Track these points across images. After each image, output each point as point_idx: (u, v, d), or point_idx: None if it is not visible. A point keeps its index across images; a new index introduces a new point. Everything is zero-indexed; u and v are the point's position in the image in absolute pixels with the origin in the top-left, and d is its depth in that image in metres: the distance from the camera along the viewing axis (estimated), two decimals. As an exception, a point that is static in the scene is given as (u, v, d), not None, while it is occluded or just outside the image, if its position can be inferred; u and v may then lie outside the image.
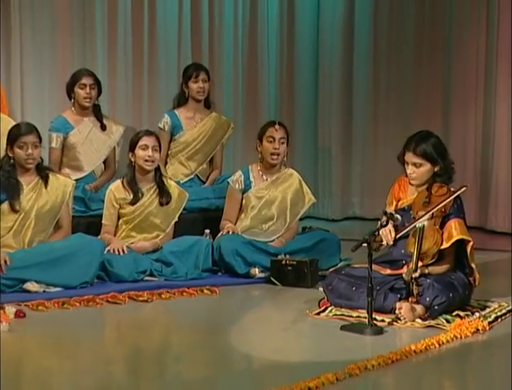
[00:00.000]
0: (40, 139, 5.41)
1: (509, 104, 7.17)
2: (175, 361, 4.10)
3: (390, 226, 4.59)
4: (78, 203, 5.92)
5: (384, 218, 4.56)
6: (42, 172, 5.44)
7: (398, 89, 7.82)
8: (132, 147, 5.69)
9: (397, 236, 4.69)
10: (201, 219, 6.19)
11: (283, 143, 5.89)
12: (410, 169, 4.84)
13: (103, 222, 5.69)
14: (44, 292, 5.11)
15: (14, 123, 5.74)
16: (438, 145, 4.87)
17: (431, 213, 4.64)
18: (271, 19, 7.94)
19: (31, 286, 5.12)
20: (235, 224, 5.89)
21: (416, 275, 4.49)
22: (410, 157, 4.82)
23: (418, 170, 4.83)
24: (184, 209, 5.85)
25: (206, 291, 5.32)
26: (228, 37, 7.76)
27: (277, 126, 5.89)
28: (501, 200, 7.24)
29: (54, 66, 7.10)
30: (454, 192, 4.71)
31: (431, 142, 4.86)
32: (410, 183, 4.91)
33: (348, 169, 8.06)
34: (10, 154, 5.35)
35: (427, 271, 4.62)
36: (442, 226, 4.71)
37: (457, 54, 7.46)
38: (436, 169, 4.83)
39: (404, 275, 4.57)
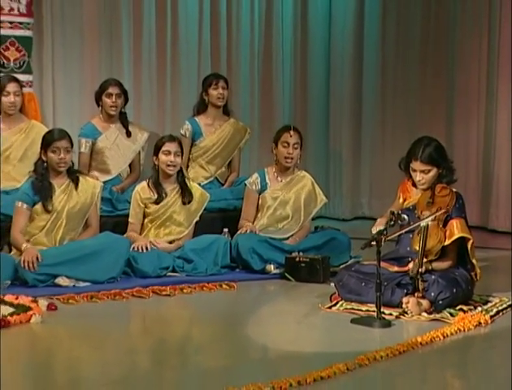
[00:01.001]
0: (71, 144, 5.43)
1: (509, 111, 7.14)
2: (196, 351, 4.10)
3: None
4: (105, 204, 5.92)
5: (393, 218, 4.55)
6: (73, 175, 5.45)
7: (404, 97, 7.81)
8: (156, 151, 5.71)
9: (402, 232, 4.68)
10: (220, 219, 6.18)
11: (296, 148, 5.88)
12: (418, 176, 4.82)
13: (130, 221, 5.69)
14: (74, 286, 5.12)
15: (46, 130, 5.77)
16: (439, 149, 4.87)
17: (436, 214, 4.63)
18: (285, 32, 7.92)
19: (62, 281, 5.14)
20: (252, 223, 5.89)
21: (422, 270, 4.48)
22: (417, 165, 4.81)
23: (426, 176, 4.82)
24: (204, 209, 5.85)
25: (224, 286, 5.32)
26: (245, 49, 7.76)
27: (292, 131, 5.88)
28: (501, 201, 7.20)
29: (83, 76, 7.11)
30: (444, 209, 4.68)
31: (434, 147, 4.85)
32: (417, 187, 4.89)
33: (357, 172, 8.05)
34: (44, 158, 5.37)
35: (431, 267, 4.61)
36: (445, 225, 4.69)
37: (460, 64, 7.43)
38: (440, 171, 4.83)
39: (410, 271, 4.56)
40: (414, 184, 4.93)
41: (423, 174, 4.82)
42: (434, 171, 4.82)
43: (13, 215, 5.35)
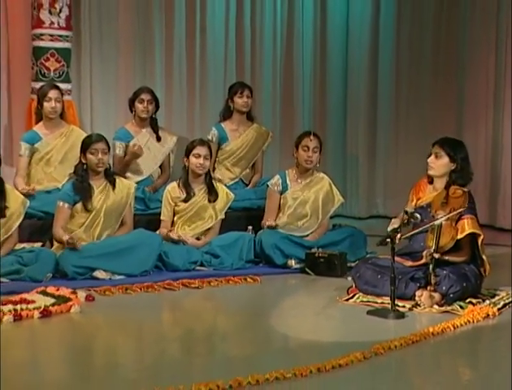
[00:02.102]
0: (108, 147, 5.46)
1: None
2: (222, 339, 4.10)
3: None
4: (139, 203, 5.94)
5: (406, 217, 4.53)
6: (110, 177, 5.48)
7: (417, 105, 7.78)
8: (187, 154, 5.72)
9: (417, 231, 4.66)
10: (245, 217, 6.18)
11: (316, 152, 5.87)
12: (430, 159, 4.80)
13: (161, 218, 5.71)
14: (110, 279, 5.14)
15: (85, 134, 5.80)
16: (459, 147, 4.81)
17: (449, 215, 4.59)
18: (305, 44, 7.91)
19: (99, 274, 5.16)
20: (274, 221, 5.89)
21: (437, 255, 4.45)
22: (434, 148, 4.79)
23: (436, 160, 4.78)
24: (229, 208, 5.86)
25: (249, 279, 5.32)
26: (267, 60, 7.76)
27: (311, 136, 5.87)
28: (508, 201, 7.15)
29: (118, 86, 7.15)
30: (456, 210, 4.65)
31: (454, 142, 4.84)
32: (428, 173, 4.85)
33: (372, 173, 8.03)
34: (84, 161, 5.39)
35: (446, 257, 4.57)
36: (457, 223, 4.65)
37: (470, 73, 7.40)
38: (452, 167, 4.78)
39: (424, 257, 4.53)
40: (430, 181, 4.88)
41: (434, 157, 4.78)
42: (445, 160, 4.76)
43: (55, 213, 5.38)
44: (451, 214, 4.59)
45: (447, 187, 4.77)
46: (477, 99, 7.35)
